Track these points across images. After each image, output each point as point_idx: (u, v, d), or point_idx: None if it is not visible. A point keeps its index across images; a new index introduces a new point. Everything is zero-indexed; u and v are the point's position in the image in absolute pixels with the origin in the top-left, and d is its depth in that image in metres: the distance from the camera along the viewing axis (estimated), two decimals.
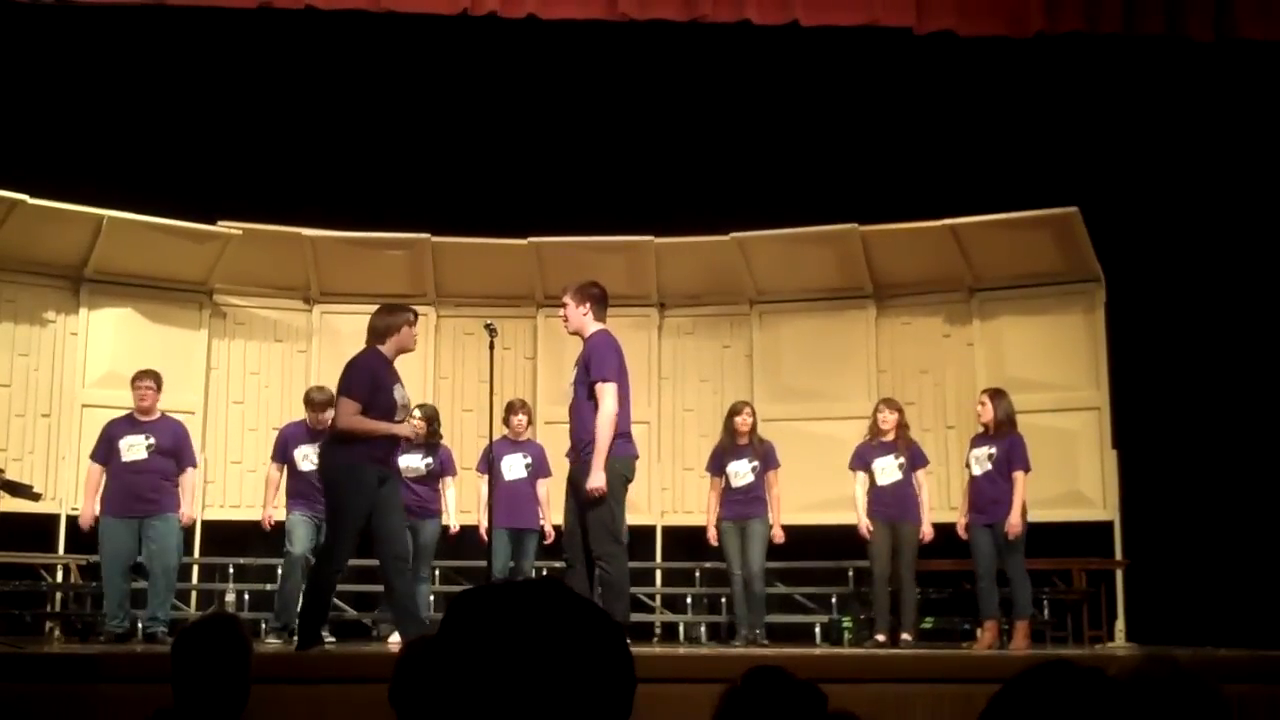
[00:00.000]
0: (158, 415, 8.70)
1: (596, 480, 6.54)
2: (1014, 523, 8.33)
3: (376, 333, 6.98)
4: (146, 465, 8.48)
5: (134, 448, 8.50)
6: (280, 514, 8.90)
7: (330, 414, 8.18)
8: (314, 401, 8.82)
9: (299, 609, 7.33)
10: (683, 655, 7.94)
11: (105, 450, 8.55)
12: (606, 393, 6.63)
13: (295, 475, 8.82)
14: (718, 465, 9.27)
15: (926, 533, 8.77)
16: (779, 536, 9.13)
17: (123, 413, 8.82)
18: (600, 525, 6.62)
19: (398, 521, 6.93)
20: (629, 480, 6.93)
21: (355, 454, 6.70)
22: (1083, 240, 9.82)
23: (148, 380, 8.67)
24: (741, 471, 9.14)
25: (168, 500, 8.50)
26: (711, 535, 9.22)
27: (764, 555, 9.09)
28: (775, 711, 2.37)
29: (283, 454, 8.90)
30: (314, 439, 8.67)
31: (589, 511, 6.62)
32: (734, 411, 9.30)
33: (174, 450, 8.61)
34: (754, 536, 9.06)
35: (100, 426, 8.80)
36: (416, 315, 7.19)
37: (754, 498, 9.12)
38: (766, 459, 9.18)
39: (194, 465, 8.82)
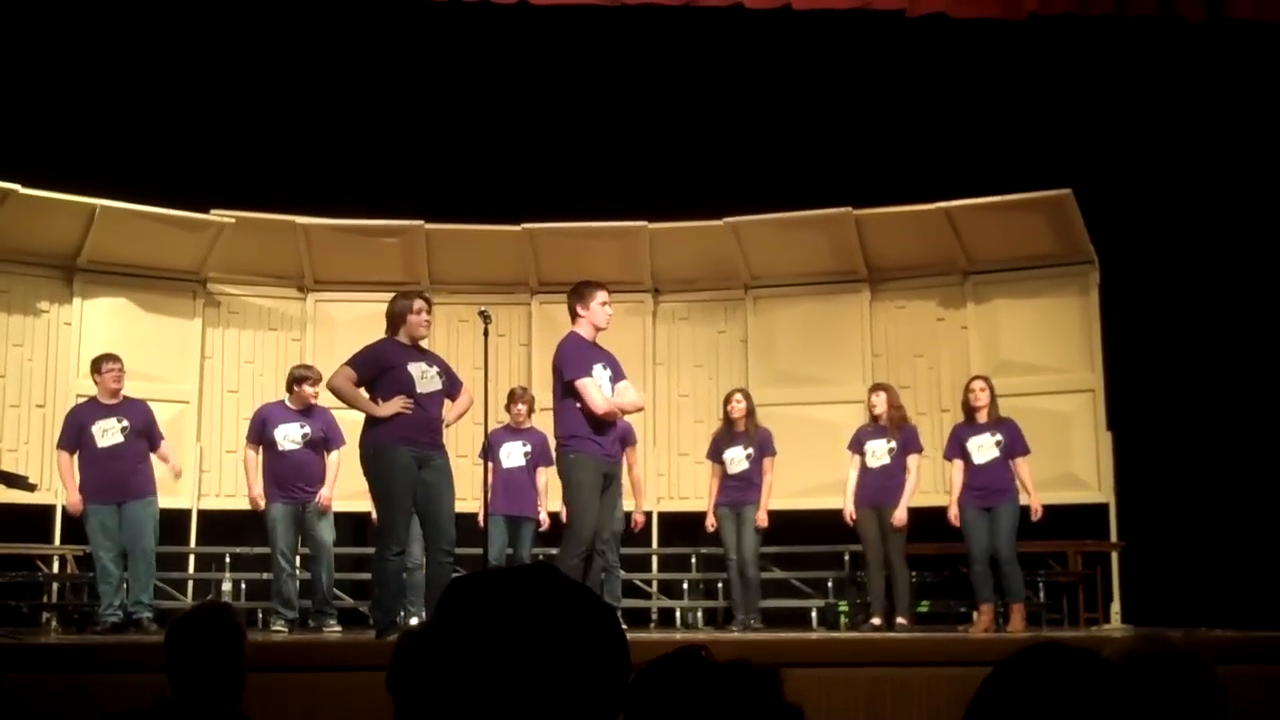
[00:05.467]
0: (122, 398, 8.57)
1: None
2: (1036, 506, 8.50)
3: (389, 322, 7.20)
4: (123, 449, 8.38)
5: (108, 432, 8.38)
6: (263, 501, 8.77)
7: (313, 389, 8.66)
8: (298, 378, 8.82)
9: (376, 600, 7.10)
10: (679, 641, 7.94)
11: (75, 437, 8.41)
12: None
13: (275, 458, 8.68)
14: (716, 452, 9.32)
15: (898, 518, 8.74)
16: (761, 521, 9.15)
17: (84, 400, 8.74)
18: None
19: (443, 510, 6.97)
20: None
21: (382, 434, 6.87)
22: (1076, 222, 9.82)
23: (117, 362, 8.54)
24: (737, 459, 9.19)
25: (144, 483, 8.44)
26: (709, 522, 9.27)
27: (757, 541, 9.12)
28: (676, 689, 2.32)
29: (259, 435, 8.75)
30: (295, 418, 8.71)
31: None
32: (726, 400, 9.37)
33: (146, 430, 8.54)
34: (747, 523, 9.10)
35: None
36: (424, 300, 7.27)
37: (749, 484, 9.15)
38: (762, 446, 9.22)
39: (163, 438, 8.71)
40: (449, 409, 7.40)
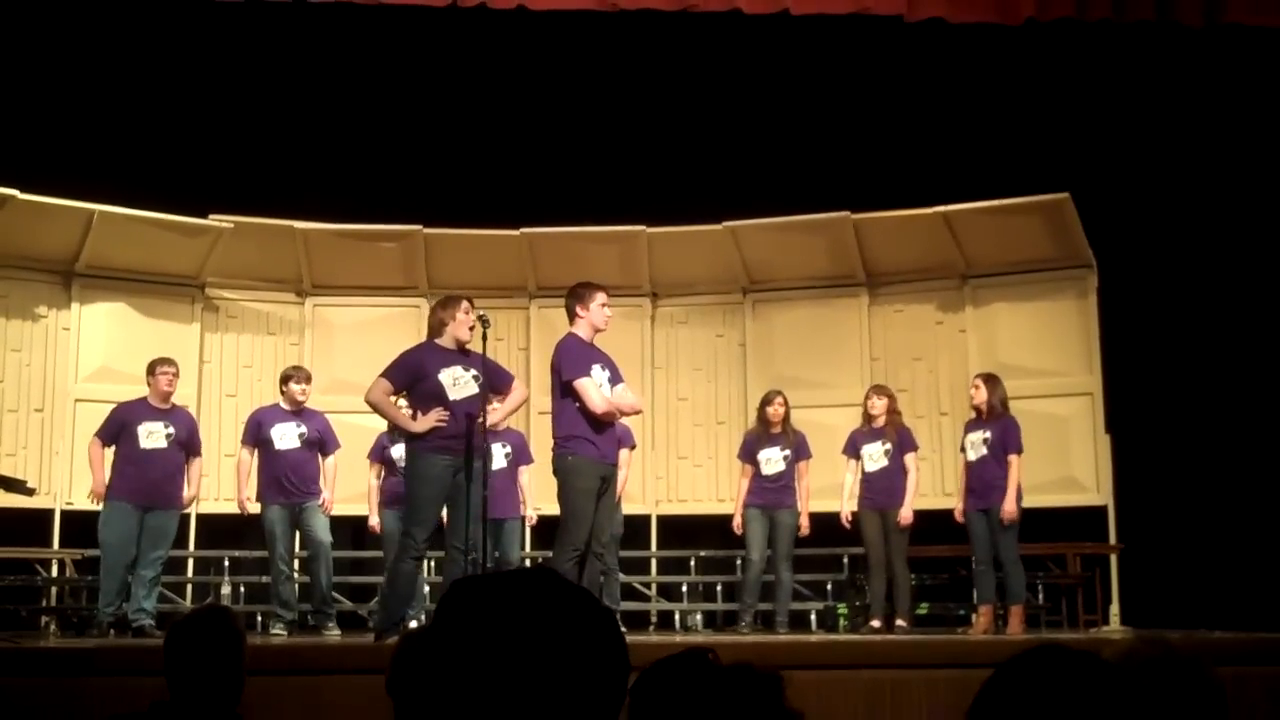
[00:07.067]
0: (172, 405, 8.64)
1: None
2: (1009, 509, 8.33)
3: (432, 328, 7.23)
4: (164, 455, 8.42)
5: (154, 435, 8.41)
6: (254, 506, 8.80)
7: (299, 387, 8.75)
8: (284, 377, 8.88)
9: (382, 599, 7.11)
10: (678, 643, 7.94)
11: (116, 432, 8.42)
12: None
13: (272, 458, 8.70)
14: (749, 453, 9.28)
15: (904, 517, 8.75)
16: (805, 529, 9.14)
17: (134, 398, 8.69)
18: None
19: (461, 509, 6.94)
20: None
21: (419, 444, 6.94)
22: (1074, 226, 9.83)
23: (172, 366, 8.60)
24: (773, 459, 9.16)
25: (175, 493, 8.48)
26: (737, 523, 9.23)
27: (792, 545, 9.11)
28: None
29: (255, 437, 8.77)
30: (290, 418, 8.74)
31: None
32: (765, 401, 9.35)
33: (189, 442, 8.60)
34: (782, 526, 9.07)
35: (94, 419, 8.74)
36: (469, 301, 7.28)
37: (784, 486, 9.14)
38: (799, 448, 9.21)
39: (200, 455, 8.76)
40: (495, 405, 7.36)
